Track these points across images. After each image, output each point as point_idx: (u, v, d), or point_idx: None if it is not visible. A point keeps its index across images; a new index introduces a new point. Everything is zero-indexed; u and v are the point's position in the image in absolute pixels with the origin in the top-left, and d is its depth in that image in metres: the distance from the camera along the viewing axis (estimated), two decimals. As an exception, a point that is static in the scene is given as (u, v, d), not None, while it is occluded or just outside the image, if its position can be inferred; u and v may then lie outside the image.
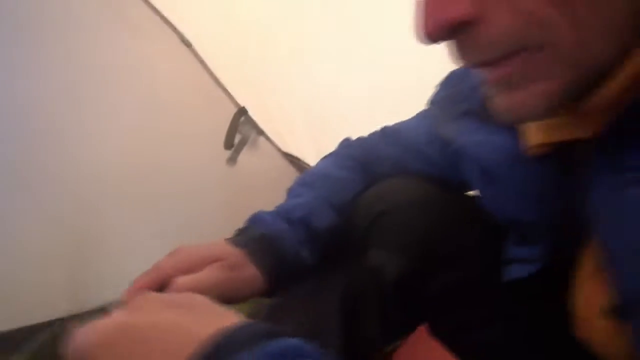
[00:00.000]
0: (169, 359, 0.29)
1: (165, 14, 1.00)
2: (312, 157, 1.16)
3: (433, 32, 0.31)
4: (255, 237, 0.54)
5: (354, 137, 0.74)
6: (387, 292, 0.56)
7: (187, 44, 1.05)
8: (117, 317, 0.34)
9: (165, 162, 1.10)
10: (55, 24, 0.90)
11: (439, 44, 0.33)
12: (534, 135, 0.40)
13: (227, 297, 0.48)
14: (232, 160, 1.17)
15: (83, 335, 0.33)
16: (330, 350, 0.58)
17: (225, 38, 1.08)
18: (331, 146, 0.73)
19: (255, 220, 0.57)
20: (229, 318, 0.33)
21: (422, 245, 0.54)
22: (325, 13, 1.01)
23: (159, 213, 1.13)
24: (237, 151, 1.18)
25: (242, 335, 0.29)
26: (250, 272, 0.52)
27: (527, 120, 0.38)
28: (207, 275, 0.48)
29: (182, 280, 0.46)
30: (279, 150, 1.24)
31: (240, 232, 0.56)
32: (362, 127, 0.77)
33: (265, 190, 0.94)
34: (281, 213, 0.58)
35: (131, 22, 0.97)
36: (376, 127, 0.74)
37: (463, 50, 0.33)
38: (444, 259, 0.55)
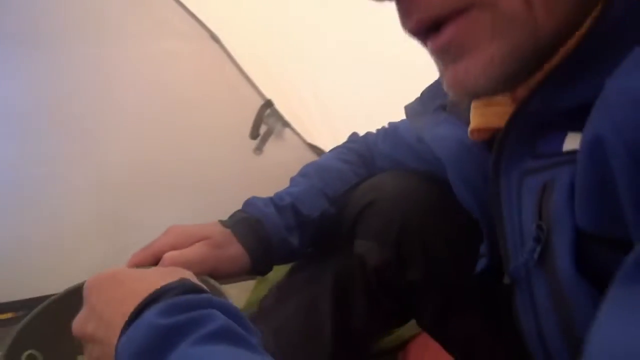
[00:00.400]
0: (132, 298, 0.36)
1: (194, 10, 1.06)
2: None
3: None
4: (243, 219, 0.58)
5: (370, 131, 0.77)
6: (370, 279, 0.59)
7: (216, 40, 1.11)
8: (109, 270, 0.42)
9: (195, 152, 1.17)
10: (86, 22, 0.97)
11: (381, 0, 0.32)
12: (474, 119, 0.41)
13: (212, 272, 0.53)
14: (258, 149, 1.22)
15: (88, 281, 0.42)
16: (323, 334, 0.61)
17: (252, 33, 1.12)
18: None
19: (248, 204, 0.62)
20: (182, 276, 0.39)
21: (401, 235, 0.57)
22: (348, 9, 1.03)
23: (188, 200, 1.19)
24: (263, 141, 1.23)
25: (174, 288, 0.36)
26: (235, 251, 0.56)
27: (472, 95, 0.36)
28: (193, 251, 0.53)
29: (169, 254, 0.52)
30: (304, 141, 1.28)
31: (233, 215, 0.61)
32: (378, 122, 0.79)
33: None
34: (274, 199, 0.62)
35: (161, 20, 1.03)
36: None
37: (404, 10, 0.32)
38: (422, 248, 0.56)
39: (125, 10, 1.00)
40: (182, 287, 0.37)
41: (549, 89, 0.32)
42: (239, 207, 0.65)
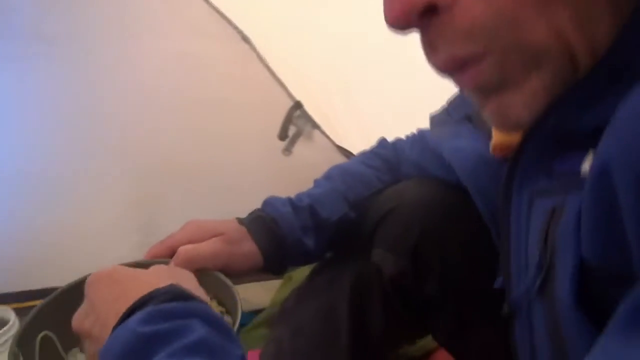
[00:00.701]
0: (125, 299, 0.37)
1: (224, 11, 1.07)
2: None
3: (399, 17, 0.30)
4: (259, 217, 0.59)
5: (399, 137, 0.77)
6: (387, 288, 0.58)
7: (246, 40, 1.11)
8: (109, 267, 0.43)
9: (224, 152, 1.18)
10: (118, 22, 1.00)
11: (405, 32, 0.31)
12: (496, 134, 0.40)
13: (225, 268, 0.54)
14: (287, 150, 1.23)
15: (89, 277, 0.43)
16: (340, 339, 0.61)
17: (283, 34, 1.12)
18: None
19: (266, 203, 0.62)
20: (185, 285, 0.40)
21: (419, 246, 0.56)
22: (378, 14, 1.03)
23: (216, 200, 1.21)
24: (292, 142, 1.23)
25: (162, 294, 0.37)
26: (248, 248, 0.57)
27: (517, 128, 0.35)
28: (207, 246, 0.54)
29: (184, 248, 0.53)
30: (333, 143, 1.27)
31: (251, 213, 0.61)
32: (408, 125, 0.79)
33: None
34: (292, 200, 0.62)
35: (191, 20, 1.05)
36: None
37: (430, 42, 0.31)
38: (439, 260, 0.55)
39: (156, 10, 1.03)
40: (170, 294, 0.37)
41: (568, 106, 0.30)
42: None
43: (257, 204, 0.68)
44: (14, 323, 0.92)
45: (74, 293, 0.48)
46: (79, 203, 1.16)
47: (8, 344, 0.86)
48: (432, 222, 0.56)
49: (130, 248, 1.18)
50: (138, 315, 0.34)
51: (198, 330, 0.33)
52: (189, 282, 0.43)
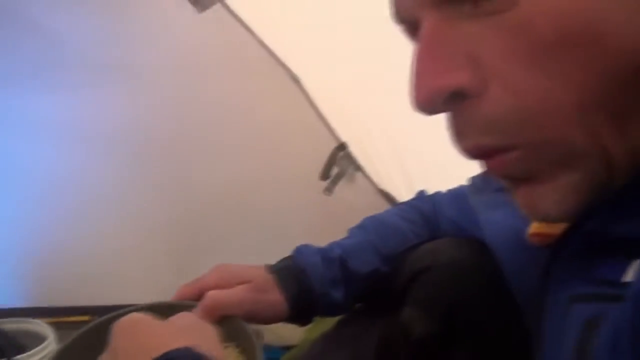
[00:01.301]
0: (142, 355, 0.37)
1: (277, 52, 1.10)
2: (405, 198, 1.17)
3: (425, 101, 0.29)
4: (287, 267, 0.59)
5: (441, 187, 0.75)
6: (414, 349, 0.56)
7: (295, 80, 1.14)
8: (135, 316, 0.44)
9: (267, 189, 1.20)
10: (174, 58, 1.06)
11: (432, 114, 0.30)
12: (534, 222, 0.38)
13: (250, 315, 0.54)
14: (328, 190, 1.23)
15: (116, 323, 0.43)
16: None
17: (332, 75, 1.14)
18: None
19: (297, 251, 0.62)
20: (204, 342, 0.40)
21: (451, 309, 0.53)
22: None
23: (257, 232, 1.23)
24: (334, 183, 1.23)
25: (176, 358, 0.36)
26: (275, 297, 0.56)
27: (545, 220, 0.33)
28: (235, 293, 0.54)
29: (211, 294, 0.53)
30: (376, 186, 1.26)
31: (281, 260, 0.61)
32: (452, 178, 0.77)
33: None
34: (323, 250, 0.62)
35: (249, 63, 1.09)
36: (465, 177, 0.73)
37: (457, 127, 0.30)
38: (472, 328, 0.53)
39: (209, 48, 1.07)
40: (188, 357, 0.37)
41: (610, 210, 0.28)
42: (307, 242, 0.65)
43: (296, 236, 0.68)
44: (51, 340, 0.95)
45: (100, 331, 0.49)
46: (121, 229, 1.20)
47: None
48: (468, 285, 0.54)
49: (164, 281, 1.22)
50: None
51: None
52: (210, 340, 0.43)
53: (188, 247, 1.22)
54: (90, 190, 1.19)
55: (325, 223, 1.21)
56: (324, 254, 0.61)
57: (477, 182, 0.57)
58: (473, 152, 0.30)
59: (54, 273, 1.25)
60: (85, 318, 1.21)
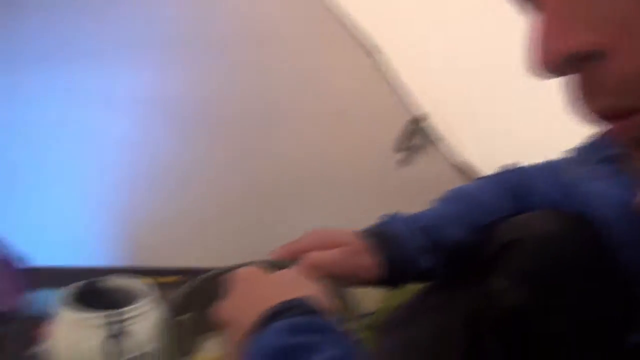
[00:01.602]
0: (264, 302, 0.43)
1: (353, 24, 1.10)
2: (484, 170, 1.15)
3: (552, 62, 0.27)
4: (380, 233, 0.61)
5: (523, 159, 0.74)
6: (504, 320, 0.57)
7: (373, 52, 1.14)
8: (250, 269, 0.49)
9: (342, 160, 1.23)
10: (249, 31, 1.09)
11: (553, 77, 0.28)
12: None
13: (345, 278, 0.57)
14: (403, 162, 1.23)
15: (239, 272, 0.49)
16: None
17: (411, 45, 1.13)
18: (503, 161, 0.74)
19: (385, 219, 0.64)
20: (309, 292, 0.45)
21: (547, 280, 0.53)
22: (512, 27, 0.99)
23: (330, 204, 1.26)
24: (412, 155, 1.23)
25: (297, 307, 0.42)
26: (368, 262, 0.59)
27: None
28: (331, 255, 0.57)
29: (311, 255, 0.56)
30: (452, 159, 1.25)
31: (370, 227, 0.63)
32: (539, 149, 0.75)
33: (433, 197, 0.99)
34: (410, 218, 0.63)
35: (325, 37, 1.10)
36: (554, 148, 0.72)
37: (587, 89, 0.28)
38: (569, 299, 0.52)
39: (285, 21, 1.09)
40: (304, 307, 0.42)
41: None
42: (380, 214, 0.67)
43: (369, 210, 0.70)
44: (153, 297, 1.03)
45: (212, 283, 0.54)
46: (204, 197, 1.28)
47: (147, 315, 0.97)
48: (562, 259, 0.53)
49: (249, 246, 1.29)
50: (280, 324, 0.40)
51: (334, 347, 0.37)
52: (317, 294, 0.46)
53: (265, 216, 1.28)
54: (176, 160, 1.27)
55: (399, 195, 1.22)
56: (410, 223, 0.62)
57: (581, 153, 0.56)
58: (606, 114, 0.28)
59: (144, 236, 1.35)
60: (173, 279, 1.30)
